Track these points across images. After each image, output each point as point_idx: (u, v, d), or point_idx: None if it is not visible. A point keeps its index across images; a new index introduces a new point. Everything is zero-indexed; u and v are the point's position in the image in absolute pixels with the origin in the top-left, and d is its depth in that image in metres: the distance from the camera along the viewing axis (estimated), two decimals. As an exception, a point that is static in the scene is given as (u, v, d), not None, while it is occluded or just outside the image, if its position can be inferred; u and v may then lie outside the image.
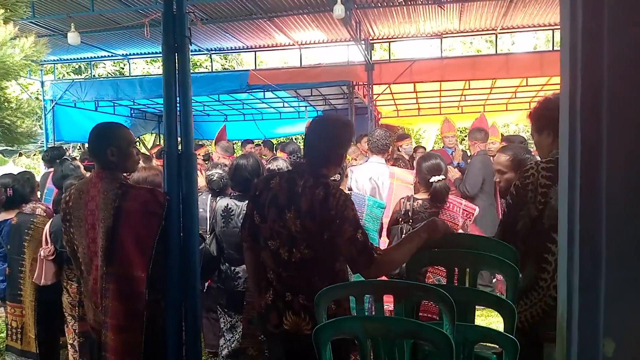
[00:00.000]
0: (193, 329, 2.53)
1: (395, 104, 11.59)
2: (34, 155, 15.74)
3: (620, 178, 0.89)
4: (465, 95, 10.82)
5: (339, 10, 6.29)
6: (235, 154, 6.31)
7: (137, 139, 13.41)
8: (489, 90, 10.37)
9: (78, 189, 2.44)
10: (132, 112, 12.21)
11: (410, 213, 3.25)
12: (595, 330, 0.96)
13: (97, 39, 9.02)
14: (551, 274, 1.97)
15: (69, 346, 3.56)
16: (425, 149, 8.40)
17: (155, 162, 5.42)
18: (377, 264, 1.90)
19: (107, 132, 2.44)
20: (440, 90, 10.29)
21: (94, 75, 12.54)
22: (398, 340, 1.48)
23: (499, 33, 9.22)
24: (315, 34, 9.03)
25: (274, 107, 12.53)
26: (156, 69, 16.72)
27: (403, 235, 3.18)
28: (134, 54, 10.52)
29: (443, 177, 3.23)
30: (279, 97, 11.11)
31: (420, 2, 7.38)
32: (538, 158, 5.62)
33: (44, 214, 3.70)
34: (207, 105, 11.98)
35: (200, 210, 3.33)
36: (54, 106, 9.94)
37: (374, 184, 4.13)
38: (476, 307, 1.93)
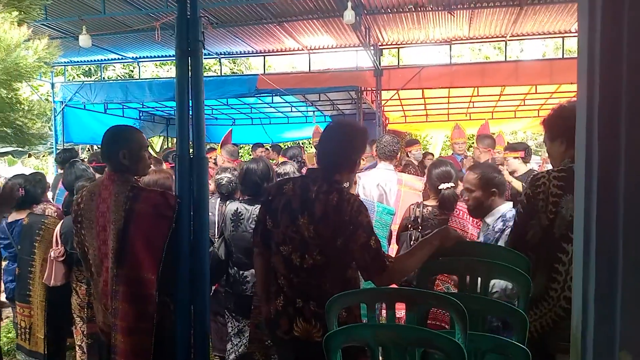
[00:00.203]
0: (202, 333, 2.53)
1: (403, 110, 11.59)
2: (43, 156, 15.85)
3: (639, 187, 0.89)
4: (473, 102, 10.79)
5: (349, 15, 6.30)
6: (240, 159, 6.34)
7: (146, 142, 13.43)
8: (498, 97, 10.34)
9: (90, 191, 2.46)
10: (140, 114, 12.28)
11: (419, 220, 3.25)
12: (611, 342, 0.95)
13: (107, 42, 9.09)
14: (562, 284, 1.95)
15: (77, 348, 3.57)
16: (433, 155, 8.38)
17: (165, 166, 5.44)
18: (389, 272, 1.90)
19: (120, 135, 2.45)
20: (448, 97, 10.28)
21: (103, 78, 12.63)
22: (409, 349, 1.47)
23: (509, 40, 9.20)
24: (324, 39, 9.06)
25: (281, 112, 12.56)
26: (165, 72, 16.81)
27: (412, 242, 3.17)
28: (143, 57, 10.59)
29: (452, 184, 3.23)
30: (287, 102, 11.14)
31: (430, 9, 7.38)
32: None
33: (55, 215, 3.72)
34: (216, 109, 12.04)
35: (209, 214, 3.34)
36: (63, 108, 10.01)
37: (382, 191, 4.13)
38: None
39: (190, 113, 2.49)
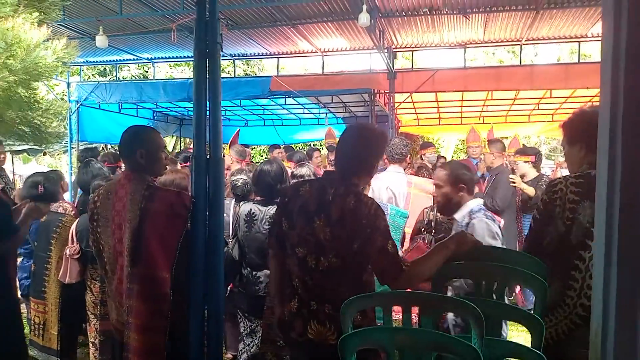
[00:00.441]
0: (215, 332, 2.54)
1: (416, 113, 11.54)
2: (58, 154, 16.02)
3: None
4: (487, 105, 10.72)
5: (364, 18, 6.29)
6: (248, 158, 6.39)
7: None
8: (512, 101, 10.26)
9: (106, 190, 2.49)
10: (154, 114, 12.36)
11: (433, 223, 3.24)
12: (633, 349, 0.94)
13: (123, 42, 9.18)
14: (578, 292, 1.92)
15: (90, 344, 3.61)
16: (445, 158, 8.35)
17: (178, 166, 5.48)
18: (405, 276, 1.89)
19: (138, 135, 2.48)
20: (462, 100, 10.22)
21: (118, 78, 12.74)
22: (425, 353, 1.47)
23: (524, 44, 9.13)
24: (338, 42, 9.06)
25: (294, 113, 12.58)
26: (179, 72, 16.93)
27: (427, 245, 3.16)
28: (158, 58, 10.67)
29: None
30: (299, 104, 11.16)
31: (445, 12, 7.35)
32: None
33: (72, 213, 3.77)
34: (229, 110, 12.08)
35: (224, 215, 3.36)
36: (78, 107, 10.12)
37: (391, 194, 4.12)
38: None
39: (207, 114, 2.51)
